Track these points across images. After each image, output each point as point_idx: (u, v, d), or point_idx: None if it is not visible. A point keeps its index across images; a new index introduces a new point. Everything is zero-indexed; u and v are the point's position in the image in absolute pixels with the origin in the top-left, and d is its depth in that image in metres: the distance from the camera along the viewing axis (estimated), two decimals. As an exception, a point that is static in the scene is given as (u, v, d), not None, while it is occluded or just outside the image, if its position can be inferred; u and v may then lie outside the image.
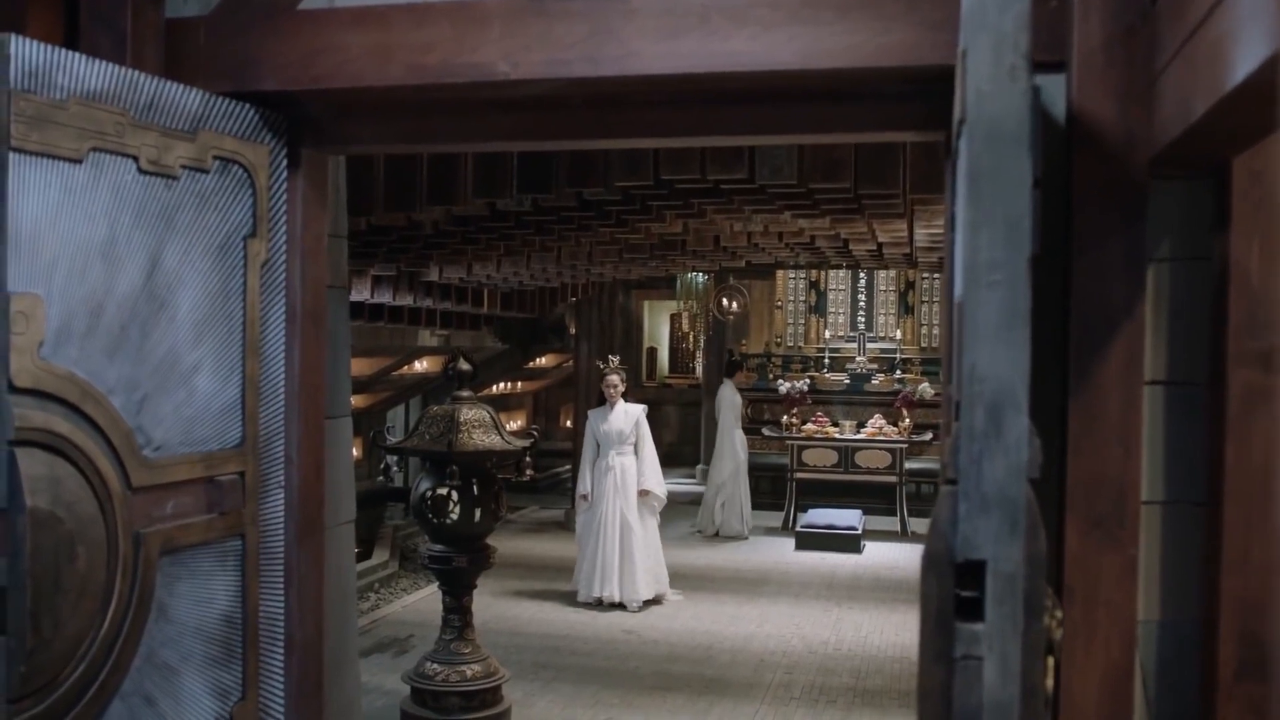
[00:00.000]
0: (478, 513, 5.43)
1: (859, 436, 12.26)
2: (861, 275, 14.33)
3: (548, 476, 15.13)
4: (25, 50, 2.39)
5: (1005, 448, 1.64)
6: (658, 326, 18.27)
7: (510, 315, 10.79)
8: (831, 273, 14.31)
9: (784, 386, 12.94)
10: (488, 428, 5.46)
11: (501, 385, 15.48)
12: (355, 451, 6.87)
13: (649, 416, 8.93)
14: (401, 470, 11.75)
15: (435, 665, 5.46)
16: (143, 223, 2.74)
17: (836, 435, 12.31)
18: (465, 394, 5.62)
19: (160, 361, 2.81)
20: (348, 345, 4.01)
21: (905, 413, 12.30)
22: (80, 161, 2.54)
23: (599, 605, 8.43)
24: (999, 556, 1.65)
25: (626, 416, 8.69)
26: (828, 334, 14.57)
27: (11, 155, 2.35)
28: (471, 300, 9.47)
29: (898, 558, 10.58)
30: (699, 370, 16.53)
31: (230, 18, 3.07)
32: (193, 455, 2.93)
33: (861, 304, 14.56)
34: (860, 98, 2.92)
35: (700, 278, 13.57)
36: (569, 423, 15.29)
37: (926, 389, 12.78)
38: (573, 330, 13.17)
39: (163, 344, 2.82)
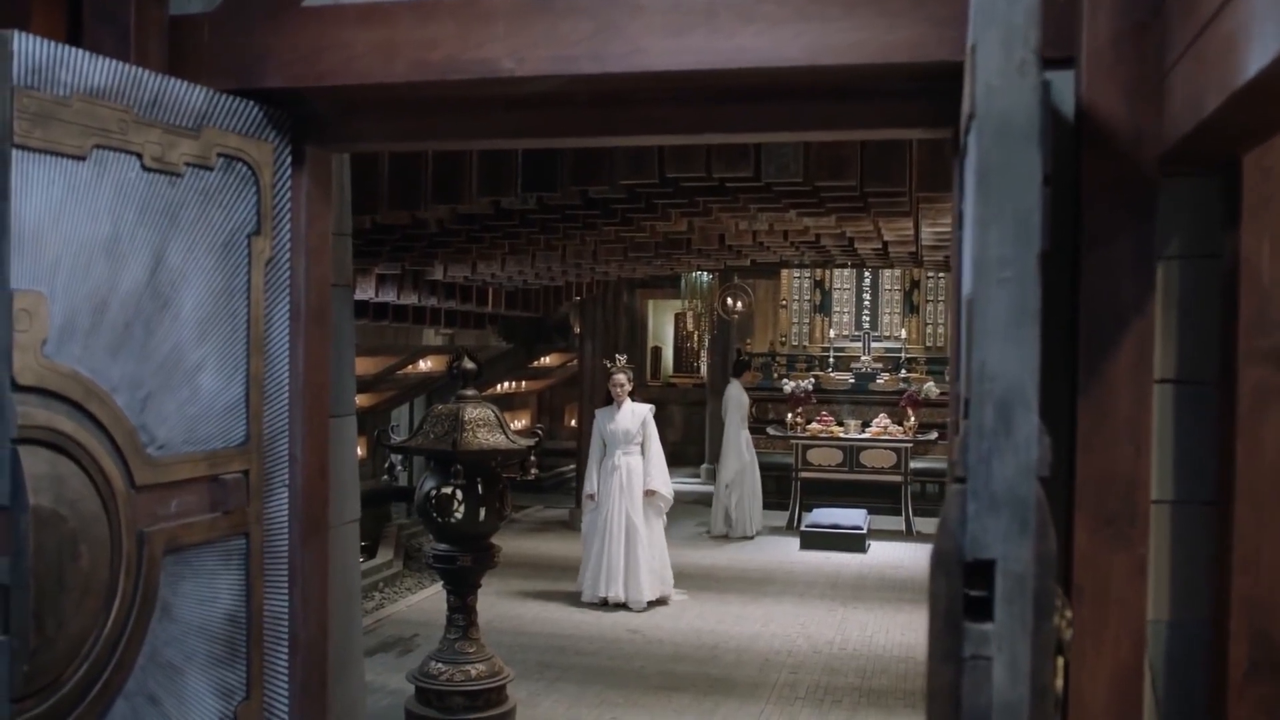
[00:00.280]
0: (482, 512, 5.41)
1: (864, 436, 12.24)
2: (866, 274, 14.32)
3: (552, 476, 15.12)
4: (28, 46, 2.38)
5: (1015, 446, 1.63)
6: (662, 326, 18.25)
7: (515, 314, 10.78)
8: (836, 272, 14.31)
9: (789, 386, 12.92)
10: (492, 427, 5.44)
11: (506, 384, 15.47)
12: (360, 450, 6.86)
13: (655, 416, 8.91)
14: (406, 469, 11.75)
15: (440, 665, 5.45)
16: (146, 220, 2.73)
17: (841, 435, 12.29)
18: (470, 393, 5.61)
19: (164, 360, 2.80)
20: (352, 344, 3.99)
21: (910, 412, 12.27)
22: (84, 159, 2.52)
23: (604, 605, 8.41)
24: (1008, 556, 1.63)
25: (633, 416, 8.67)
26: (833, 333, 14.56)
27: (15, 152, 2.34)
28: (476, 299, 9.46)
29: (903, 557, 10.57)
30: (703, 370, 16.52)
31: (234, 14, 3.06)
32: (196, 454, 2.92)
33: (866, 303, 14.55)
34: (867, 94, 2.90)
35: (705, 277, 13.55)
36: (573, 422, 15.28)
37: (931, 388, 12.75)
38: (577, 329, 13.17)
39: (166, 342, 2.81)
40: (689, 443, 16.14)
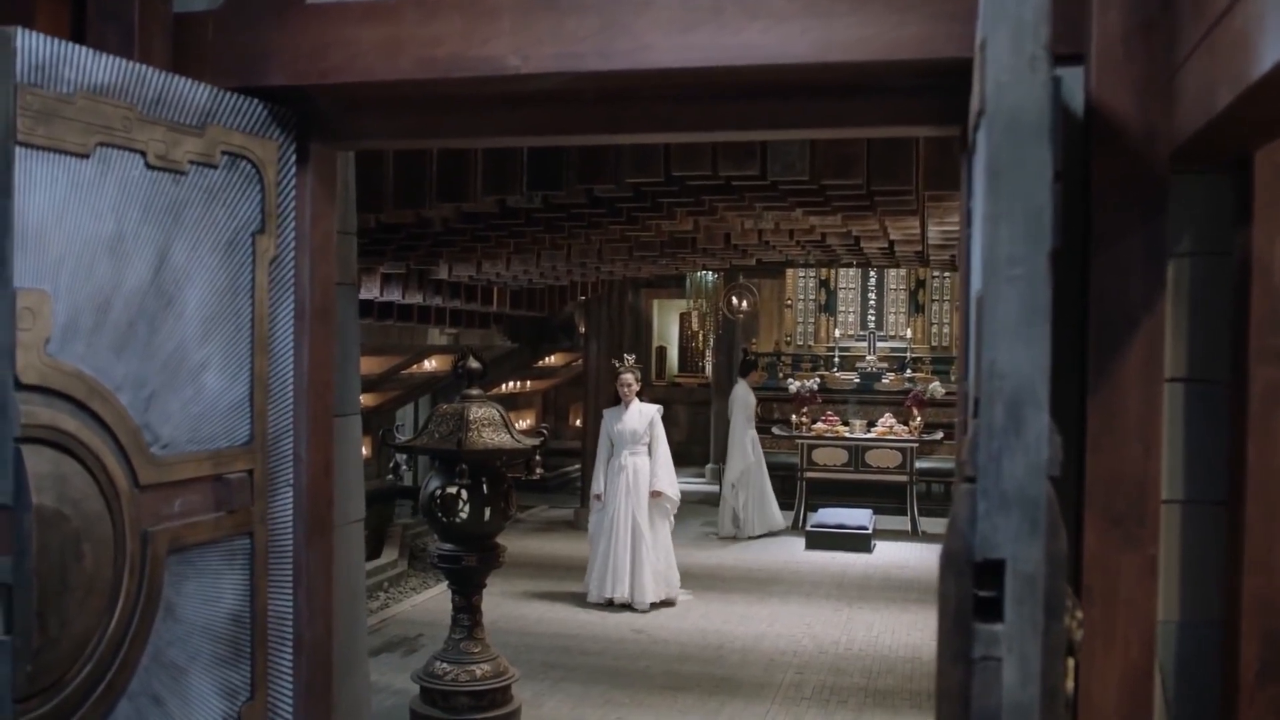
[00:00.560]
0: (487, 512, 5.40)
1: (869, 436, 12.22)
2: (872, 274, 14.30)
3: (557, 475, 15.11)
4: (31, 44, 2.36)
5: (1025, 445, 1.61)
6: (667, 325, 18.25)
7: (520, 314, 10.77)
8: (842, 271, 14.29)
9: (794, 385, 12.90)
10: (497, 426, 5.43)
11: (511, 384, 15.47)
12: (364, 450, 6.85)
13: (659, 416, 8.89)
14: (411, 469, 11.70)
15: (444, 665, 5.44)
16: (150, 218, 2.71)
17: (847, 434, 12.27)
18: (475, 392, 5.60)
19: (168, 358, 2.79)
20: (357, 343, 3.98)
21: (916, 412, 12.25)
22: (87, 156, 2.51)
23: (609, 606, 8.40)
24: (1019, 556, 1.62)
25: (641, 416, 8.65)
26: (838, 333, 14.54)
27: (18, 150, 2.33)
28: (481, 299, 9.46)
29: (908, 557, 10.55)
30: (708, 369, 16.51)
31: (239, 12, 3.05)
32: (201, 453, 2.90)
33: (872, 303, 14.53)
34: (874, 91, 2.88)
35: (710, 276, 13.54)
36: (578, 421, 15.27)
37: (937, 388, 12.74)
38: (582, 329, 13.16)
39: (170, 341, 2.80)
40: (694, 443, 16.13)
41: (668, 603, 8.52)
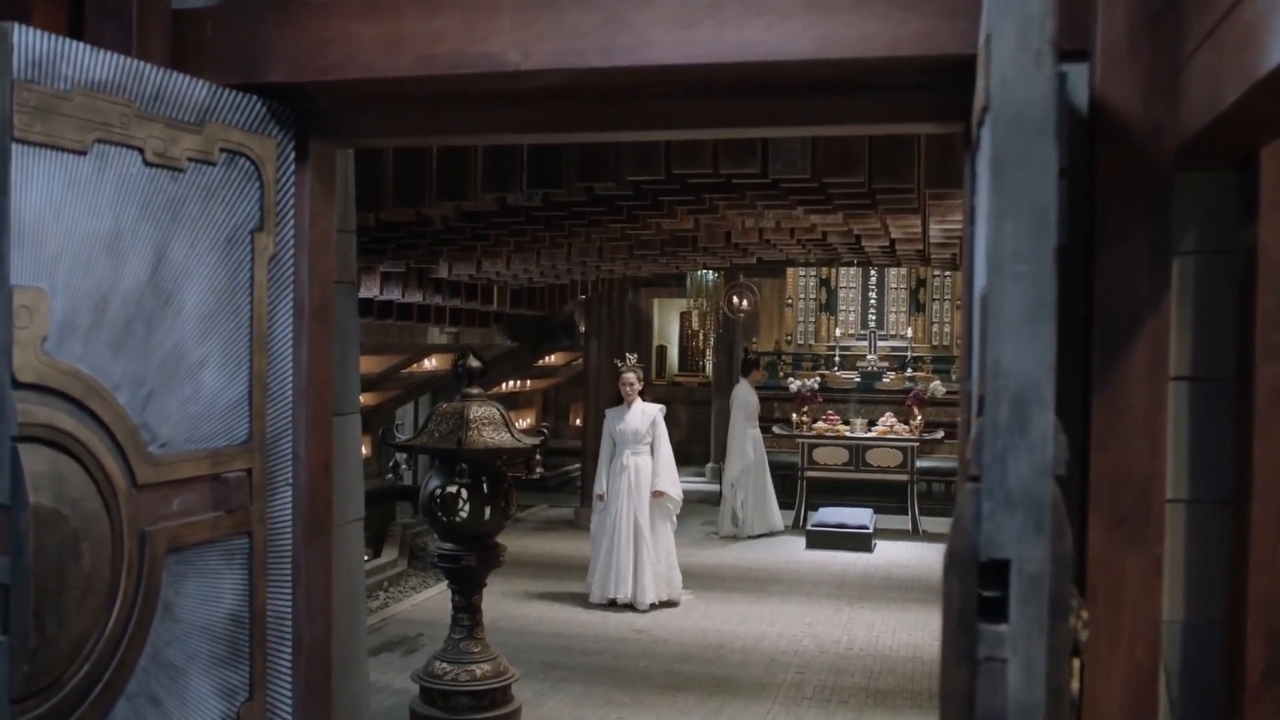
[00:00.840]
0: (487, 511, 5.39)
1: (870, 435, 12.20)
2: (872, 273, 14.29)
3: (557, 475, 15.10)
4: (29, 40, 2.35)
5: (1030, 444, 1.60)
6: (667, 325, 18.24)
7: (520, 313, 10.76)
8: (842, 270, 14.27)
9: (794, 385, 12.88)
10: (497, 425, 5.42)
11: (511, 383, 15.46)
12: (364, 449, 6.84)
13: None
14: (411, 468, 11.73)
15: (444, 664, 5.42)
16: (148, 216, 2.70)
17: (847, 433, 12.25)
18: (475, 391, 5.58)
19: (166, 357, 2.77)
20: (356, 341, 3.97)
21: (916, 411, 12.23)
22: (84, 153, 2.49)
23: (611, 606, 8.38)
24: (1024, 556, 1.61)
25: (643, 416, 8.63)
26: (838, 332, 14.53)
27: (15, 146, 2.31)
28: (481, 297, 9.44)
29: (909, 557, 10.53)
30: (709, 368, 16.50)
31: (238, 8, 3.03)
32: (199, 452, 2.89)
33: (872, 302, 14.52)
34: (877, 88, 2.87)
35: (710, 275, 13.53)
36: (579, 421, 15.26)
37: (938, 387, 12.72)
38: (582, 328, 13.14)
39: (169, 339, 2.78)
40: (694, 442, 16.12)
41: (669, 603, 8.50)
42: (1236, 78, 1.87)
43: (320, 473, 3.30)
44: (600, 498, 8.68)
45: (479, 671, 5.40)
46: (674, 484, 8.65)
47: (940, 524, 11.77)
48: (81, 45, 2.50)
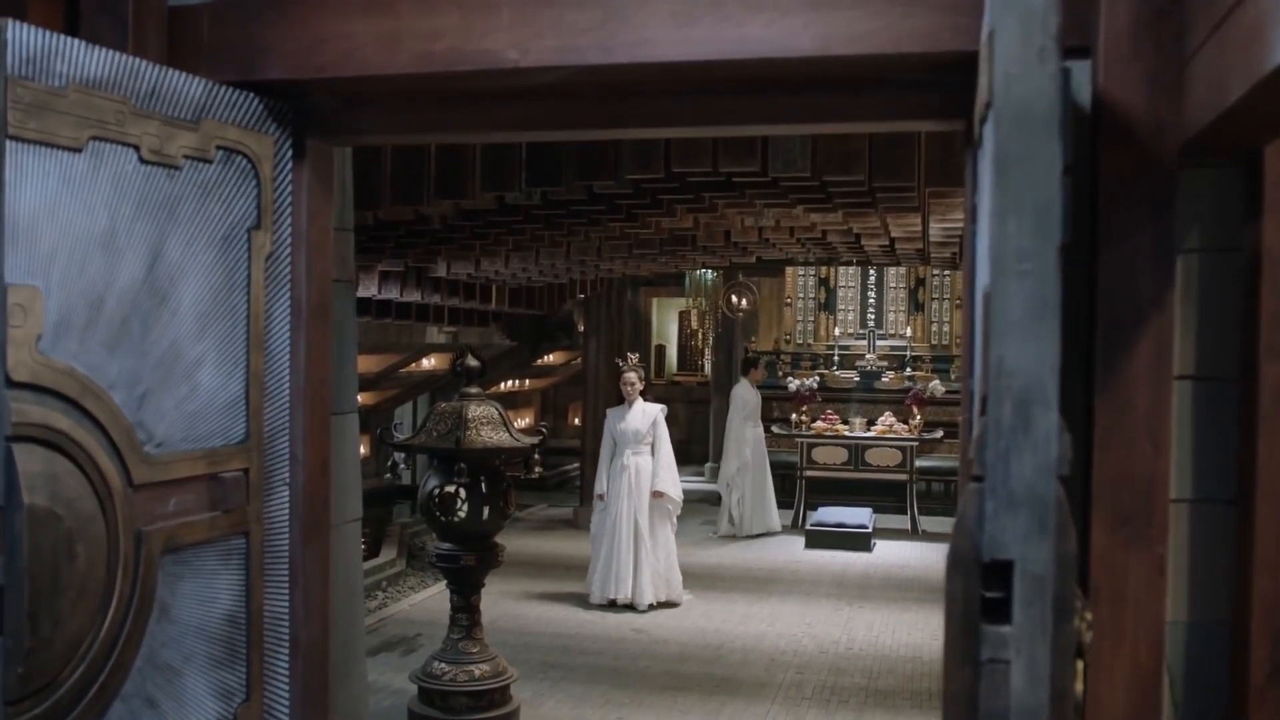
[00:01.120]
0: (486, 511, 5.38)
1: (869, 434, 12.18)
2: (871, 272, 14.28)
3: (556, 474, 15.09)
4: (23, 36, 2.33)
5: (1034, 444, 1.58)
6: (666, 324, 18.23)
7: (518, 312, 10.75)
8: (841, 269, 14.26)
9: (793, 384, 12.88)
10: (496, 425, 5.40)
11: (509, 382, 15.45)
12: (362, 448, 6.82)
13: (658, 415, 8.84)
14: (409, 468, 11.72)
15: (443, 665, 5.41)
16: (144, 214, 2.68)
17: (846, 433, 12.24)
18: (473, 391, 5.57)
19: (162, 356, 2.76)
20: (354, 340, 3.95)
21: (916, 410, 12.22)
22: (80, 150, 2.48)
23: (610, 606, 8.36)
24: (1027, 557, 1.59)
25: (644, 416, 8.59)
26: (837, 331, 14.52)
27: (9, 144, 2.29)
28: (479, 297, 9.43)
29: (909, 556, 10.52)
30: (708, 368, 16.49)
31: (235, 5, 3.01)
32: (195, 452, 2.87)
33: (871, 301, 14.51)
34: (878, 85, 2.85)
35: (709, 274, 13.51)
36: (577, 420, 15.25)
37: (937, 386, 12.71)
38: (581, 327, 13.13)
39: (165, 338, 2.76)
40: (693, 441, 16.11)
41: (669, 604, 8.48)
42: (1242, 74, 1.85)
43: (318, 472, 3.28)
44: (600, 497, 8.65)
45: (477, 672, 5.38)
46: (674, 484, 8.62)
47: (940, 523, 11.77)
48: (76, 42, 2.48)
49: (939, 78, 2.74)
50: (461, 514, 5.32)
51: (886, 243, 7.27)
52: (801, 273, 14.43)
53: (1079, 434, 2.34)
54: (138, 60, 2.67)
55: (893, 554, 10.65)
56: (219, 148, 2.91)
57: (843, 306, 14.60)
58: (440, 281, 8.49)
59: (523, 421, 15.34)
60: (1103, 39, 2.39)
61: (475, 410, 5.38)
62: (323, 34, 2.95)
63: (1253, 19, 1.80)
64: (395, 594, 8.85)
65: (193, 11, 3.03)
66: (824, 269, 14.27)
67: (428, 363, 11.52)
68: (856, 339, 14.44)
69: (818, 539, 10.81)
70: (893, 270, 14.08)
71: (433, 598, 8.60)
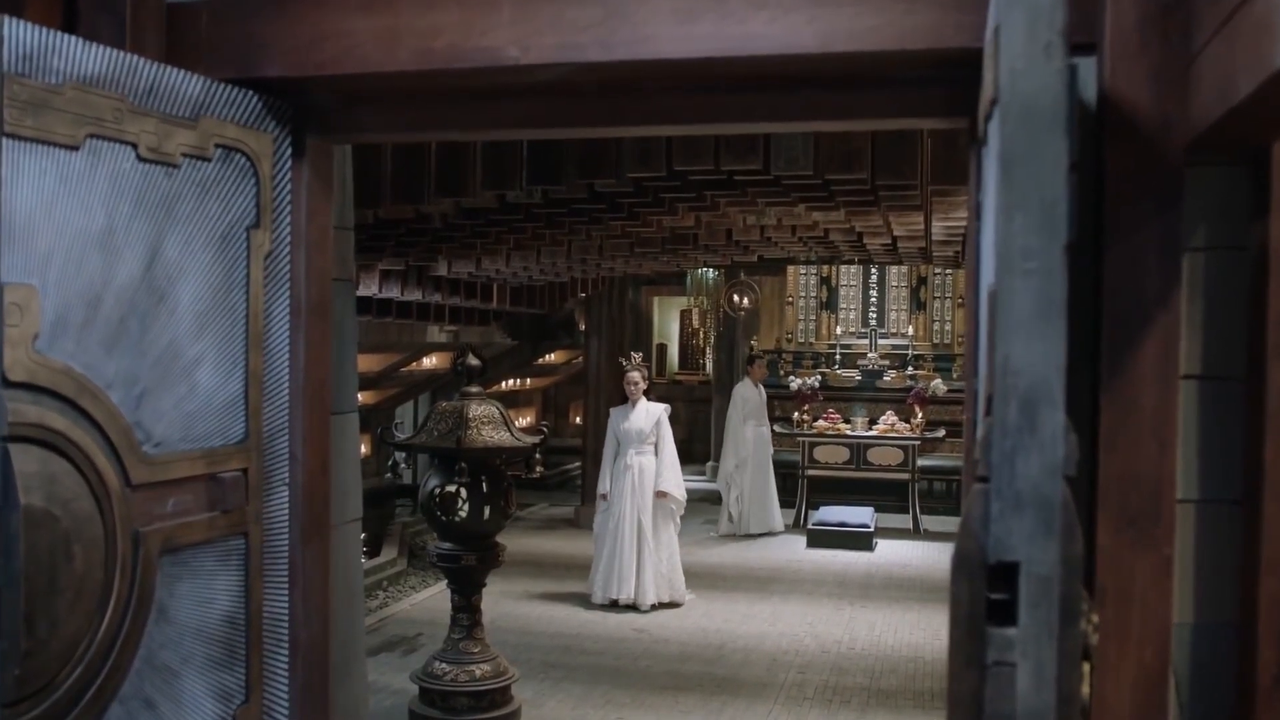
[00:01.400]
0: (487, 510, 5.36)
1: (871, 433, 12.17)
2: (873, 271, 14.28)
3: (557, 473, 15.08)
4: (19, 33, 2.31)
5: (1040, 444, 1.57)
6: (668, 323, 18.22)
7: (519, 311, 10.74)
8: (843, 268, 14.26)
9: (795, 383, 12.86)
10: (497, 424, 5.39)
11: (510, 381, 15.44)
12: (363, 448, 6.81)
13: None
14: (410, 467, 11.71)
15: (444, 665, 5.40)
16: (142, 212, 2.66)
17: (848, 432, 12.23)
18: (474, 390, 5.56)
19: (160, 355, 2.74)
20: (354, 339, 3.93)
21: (918, 409, 12.20)
22: (77, 148, 2.46)
23: (612, 606, 8.34)
24: (1033, 558, 1.58)
25: (648, 415, 8.57)
26: (839, 330, 14.52)
27: (5, 141, 2.27)
28: (480, 295, 9.41)
29: (910, 556, 10.51)
30: (709, 367, 16.48)
31: (234, 2, 2.99)
32: (194, 452, 2.85)
33: (873, 300, 14.50)
34: (881, 83, 2.83)
35: (711, 273, 13.50)
36: (578, 419, 15.24)
37: (939, 385, 12.70)
38: (582, 326, 13.12)
39: (163, 337, 2.74)
40: (694, 440, 16.10)
41: (672, 604, 8.46)
42: (1250, 70, 1.83)
43: (318, 472, 3.27)
44: (604, 497, 8.63)
45: (478, 672, 5.37)
46: (678, 484, 8.59)
47: (942, 522, 11.76)
48: (73, 39, 2.46)
49: (943, 75, 2.71)
50: (462, 513, 5.30)
51: (889, 241, 7.26)
52: (803, 271, 14.42)
53: (1084, 434, 2.32)
54: (135, 57, 2.65)
55: (895, 553, 10.63)
56: (218, 146, 2.89)
57: (844, 305, 14.59)
58: (441, 280, 8.48)
59: (524, 421, 15.33)
60: (1108, 35, 2.37)
61: (476, 409, 5.37)
62: (322, 31, 2.93)
63: (1262, 14, 1.77)
64: (396, 594, 8.84)
65: (191, 8, 3.01)
66: (826, 268, 14.26)
67: (429, 362, 11.51)
68: (858, 338, 14.43)
69: (819, 538, 10.80)
70: (894, 269, 14.08)
71: (433, 597, 8.59)
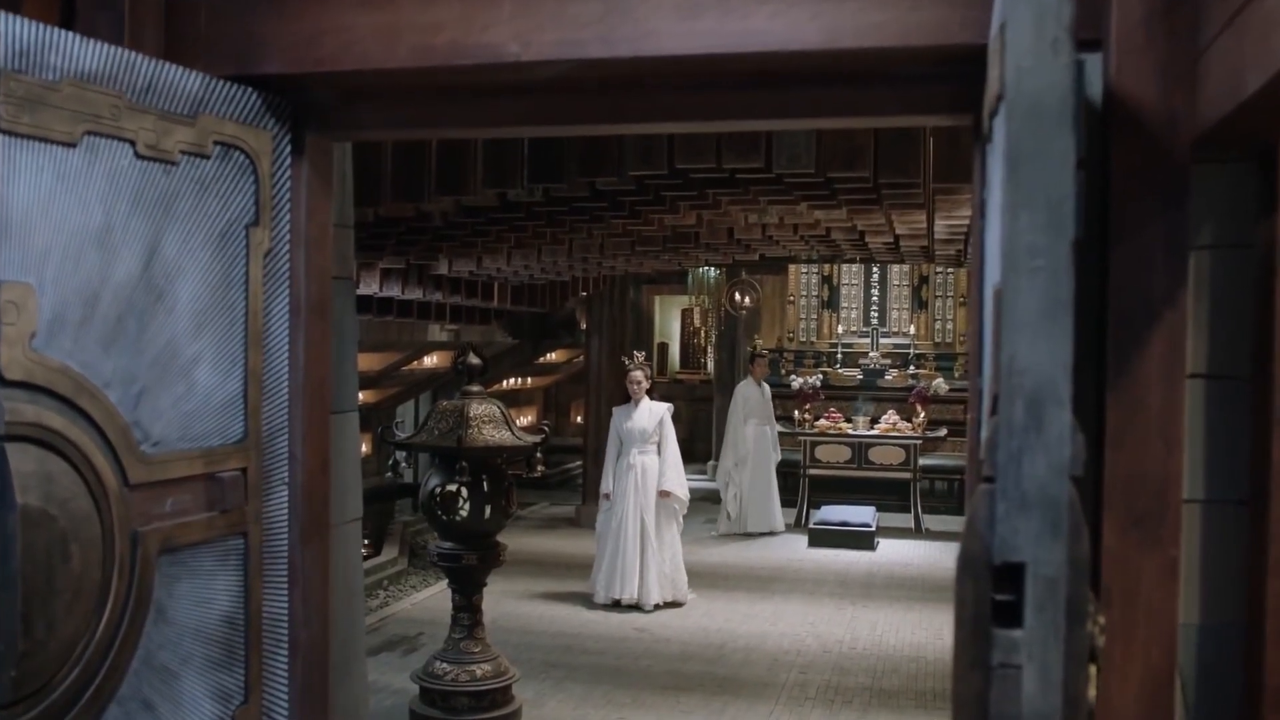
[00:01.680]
0: (488, 509, 5.35)
1: (872, 432, 12.16)
2: (874, 270, 14.27)
3: (558, 472, 15.07)
4: (16, 29, 2.29)
5: (1046, 444, 1.55)
6: (669, 322, 18.20)
7: (520, 310, 10.72)
8: (844, 267, 14.24)
9: (796, 382, 12.84)
10: (498, 423, 5.37)
11: (511, 380, 15.42)
12: (363, 447, 6.80)
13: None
14: (411, 466, 11.70)
15: (444, 664, 5.39)
16: (140, 210, 2.64)
17: (850, 431, 12.21)
18: (475, 389, 5.54)
19: (159, 354, 2.72)
20: (354, 338, 3.92)
21: (919, 408, 12.18)
22: (74, 145, 2.44)
23: (615, 606, 8.32)
24: (1040, 559, 1.56)
25: (650, 414, 8.55)
26: (840, 329, 14.50)
27: (2, 138, 2.26)
28: (481, 294, 9.40)
29: (912, 555, 10.49)
30: (710, 365, 16.46)
31: (232, -1, 2.98)
32: (193, 451, 2.83)
33: (874, 299, 14.48)
34: (885, 79, 2.81)
35: (712, 272, 13.48)
36: (579, 418, 15.23)
37: (941, 384, 12.68)
38: (583, 325, 13.10)
39: (161, 336, 2.72)
40: (695, 439, 16.08)
41: (675, 604, 8.44)
42: (1260, 65, 1.81)
43: (317, 472, 3.25)
44: (606, 496, 8.61)
45: (479, 671, 5.36)
46: (681, 484, 8.57)
47: (944, 522, 11.75)
48: (70, 35, 2.45)
49: (947, 71, 2.69)
50: (463, 513, 5.29)
51: (891, 240, 7.24)
52: (805, 270, 14.41)
53: (1090, 433, 2.30)
54: (133, 54, 2.63)
55: (896, 552, 10.62)
56: (216, 143, 2.87)
57: (846, 304, 14.57)
58: (442, 279, 8.46)
59: (525, 420, 15.31)
60: (1115, 31, 2.35)
61: (477, 408, 5.35)
62: (321, 27, 2.91)
63: (1271, 9, 1.76)
64: (396, 593, 8.83)
65: (190, 5, 2.99)
66: (827, 266, 14.25)
67: (429, 361, 11.49)
68: (860, 337, 14.42)
69: (821, 538, 10.79)
70: (896, 268, 14.07)
71: (434, 597, 8.57)
